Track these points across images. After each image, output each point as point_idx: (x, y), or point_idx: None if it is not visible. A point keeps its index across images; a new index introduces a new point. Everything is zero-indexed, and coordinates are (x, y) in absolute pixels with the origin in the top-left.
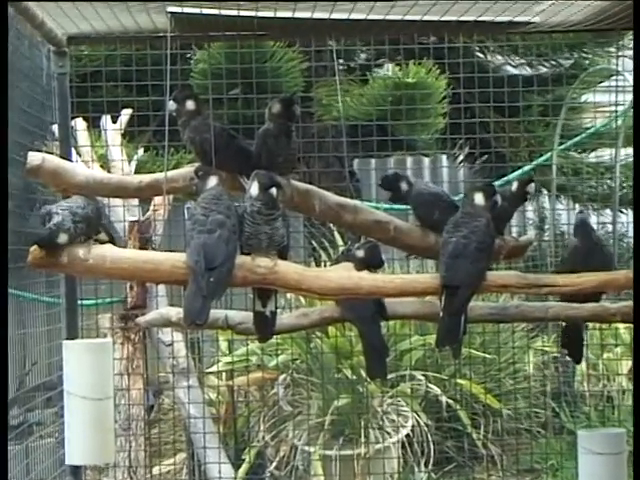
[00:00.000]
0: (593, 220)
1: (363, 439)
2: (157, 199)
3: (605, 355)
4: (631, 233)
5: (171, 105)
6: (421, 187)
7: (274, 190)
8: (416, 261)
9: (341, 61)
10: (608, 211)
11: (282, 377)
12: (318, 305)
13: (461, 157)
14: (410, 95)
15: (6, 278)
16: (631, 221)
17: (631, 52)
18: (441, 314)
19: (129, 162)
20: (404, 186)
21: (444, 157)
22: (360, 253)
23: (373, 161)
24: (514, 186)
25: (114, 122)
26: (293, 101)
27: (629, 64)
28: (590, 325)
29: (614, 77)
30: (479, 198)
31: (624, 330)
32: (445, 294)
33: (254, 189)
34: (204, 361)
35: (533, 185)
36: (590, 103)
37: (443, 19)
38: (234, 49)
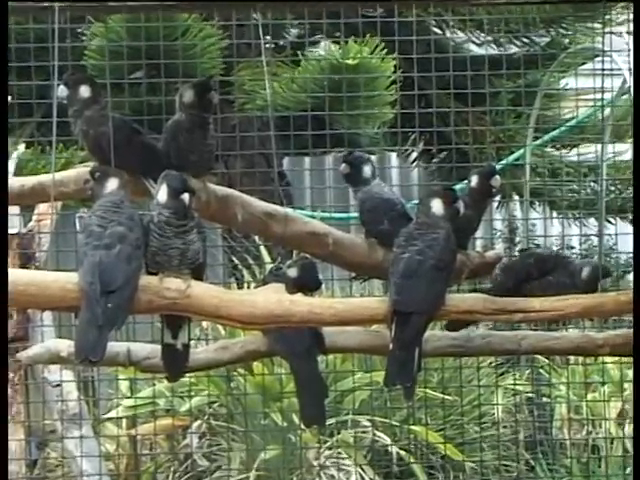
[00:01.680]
0: (574, 231)
1: None
2: (42, 207)
3: (590, 396)
4: (621, 247)
5: (60, 91)
6: (372, 189)
7: (186, 196)
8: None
9: (268, 38)
10: (593, 220)
11: (196, 424)
12: (241, 336)
13: (414, 155)
14: (351, 80)
15: (6, 278)
16: (621, 232)
17: (620, 28)
18: (391, 346)
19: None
20: (367, 172)
21: (393, 155)
22: (292, 272)
23: (307, 160)
24: (474, 181)
25: None
26: (210, 87)
27: (617, 43)
28: (572, 359)
29: (599, 58)
30: (436, 205)
31: (612, 365)
32: (396, 322)
33: (162, 194)
34: (100, 405)
35: (498, 178)
36: (571, 89)
37: None
38: (137, 22)
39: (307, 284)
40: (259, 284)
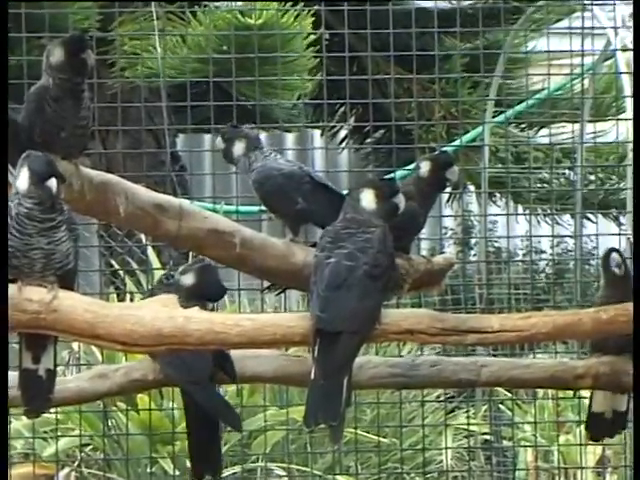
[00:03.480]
0: (545, 231)
1: None
2: None
3: (562, 438)
4: (603, 251)
5: None
6: (266, 165)
7: (53, 182)
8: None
9: None
10: (568, 217)
11: (64, 473)
12: (122, 361)
13: (343, 133)
14: (260, 41)
15: (6, 278)
16: (602, 232)
17: None
18: (313, 375)
19: None
20: (240, 147)
21: (317, 133)
22: (187, 279)
23: (207, 138)
24: (424, 169)
25: None
26: (84, 44)
27: None
28: (540, 392)
29: (577, 14)
30: (367, 198)
31: None
32: (320, 344)
33: (22, 181)
34: None
35: (456, 170)
36: (541, 53)
37: None
38: None
39: (207, 293)
40: (145, 296)
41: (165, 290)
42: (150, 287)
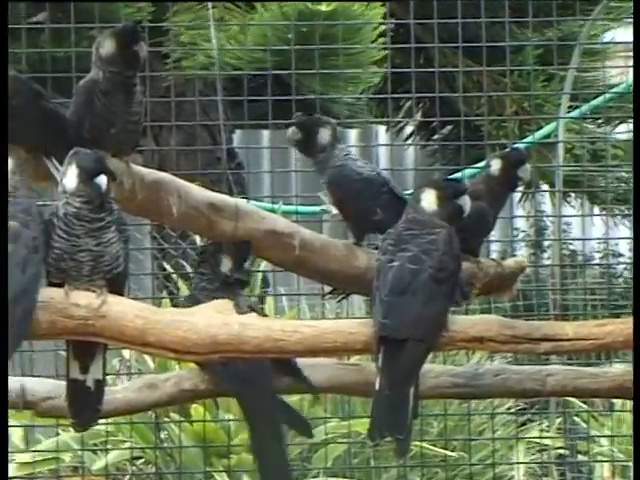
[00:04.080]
0: (623, 233)
1: None
2: None
3: None
4: None
5: None
6: (346, 166)
7: (103, 179)
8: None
9: None
10: None
11: None
12: (175, 369)
13: (409, 129)
14: (325, 31)
15: (6, 275)
16: None
17: None
18: (378, 385)
19: None
20: (325, 137)
21: (382, 129)
22: (226, 265)
23: (266, 134)
24: (495, 167)
25: None
26: (136, 36)
27: None
28: (618, 404)
29: None
30: (428, 199)
31: None
32: (384, 352)
33: (71, 178)
34: None
35: (528, 168)
36: (619, 44)
37: None
38: None
39: (245, 253)
40: (187, 304)
41: (212, 296)
42: (189, 294)
